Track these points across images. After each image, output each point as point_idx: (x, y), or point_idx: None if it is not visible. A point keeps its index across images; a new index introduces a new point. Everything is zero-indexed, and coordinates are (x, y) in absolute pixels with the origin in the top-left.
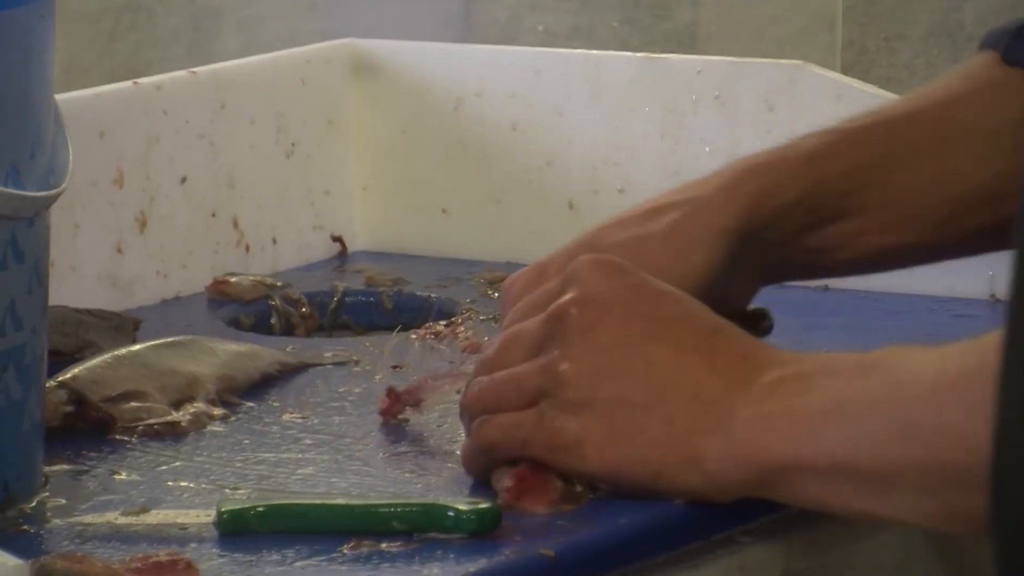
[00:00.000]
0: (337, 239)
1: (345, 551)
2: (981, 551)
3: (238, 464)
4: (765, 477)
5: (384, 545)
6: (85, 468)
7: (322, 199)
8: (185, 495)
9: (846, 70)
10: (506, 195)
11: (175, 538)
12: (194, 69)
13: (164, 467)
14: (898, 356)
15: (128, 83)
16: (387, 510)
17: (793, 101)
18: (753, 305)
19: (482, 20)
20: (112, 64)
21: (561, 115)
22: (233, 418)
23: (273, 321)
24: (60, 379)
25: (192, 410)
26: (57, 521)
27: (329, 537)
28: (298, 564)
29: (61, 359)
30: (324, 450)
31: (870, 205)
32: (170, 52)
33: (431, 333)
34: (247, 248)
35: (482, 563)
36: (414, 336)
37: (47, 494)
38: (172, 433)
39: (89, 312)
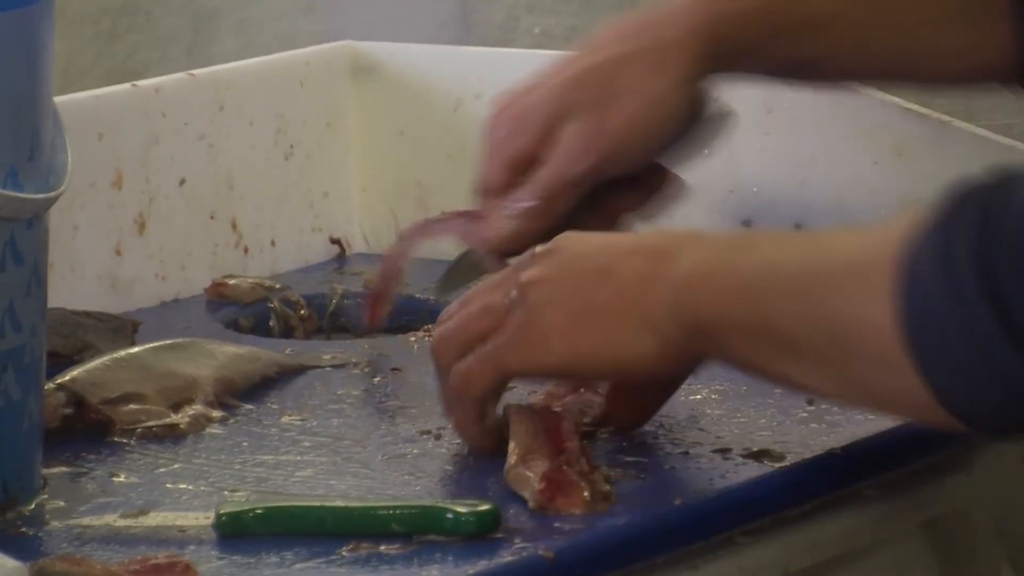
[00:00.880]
0: (336, 241)
1: (344, 553)
2: (982, 551)
3: (237, 466)
4: (704, 331)
5: (383, 547)
6: (84, 470)
7: (321, 201)
8: (184, 497)
9: None
10: None
11: (174, 540)
12: (193, 71)
13: (163, 469)
14: (830, 235)
15: (127, 85)
16: (386, 512)
17: (791, 103)
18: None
19: (479, 22)
20: (110, 65)
21: None
22: (232, 420)
23: (272, 323)
24: (59, 381)
25: (191, 412)
26: (56, 523)
27: (328, 539)
28: (297, 566)
29: (60, 361)
30: (323, 452)
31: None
32: (168, 53)
33: (429, 335)
34: (246, 250)
35: (481, 565)
36: (413, 338)
37: (46, 496)
38: (171, 435)
39: (88, 314)
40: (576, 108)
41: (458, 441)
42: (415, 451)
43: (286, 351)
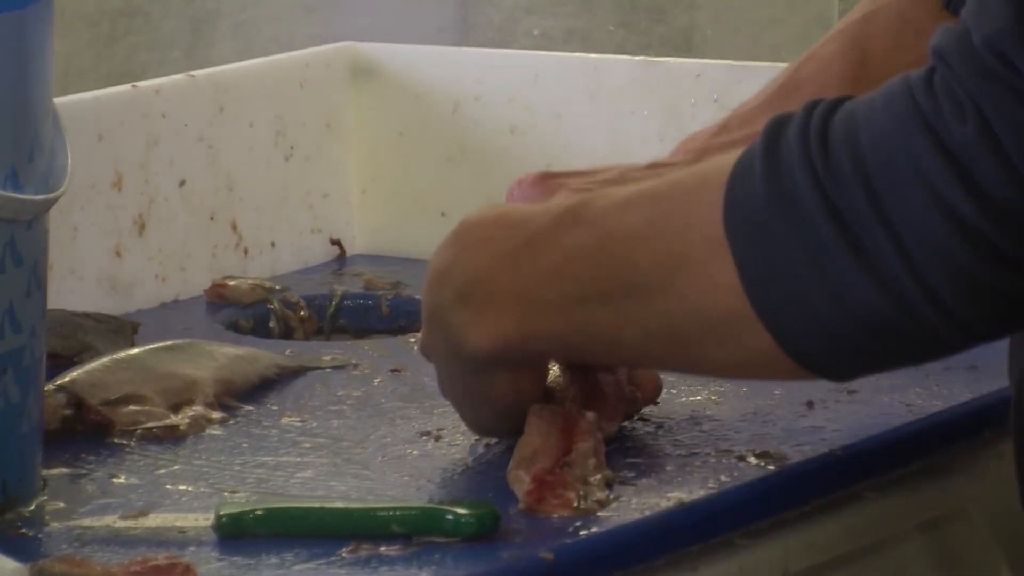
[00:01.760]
0: (335, 242)
1: (344, 554)
2: (981, 552)
3: (237, 467)
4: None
5: (383, 548)
6: (84, 471)
7: (321, 202)
8: (184, 498)
9: None
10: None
11: (174, 541)
12: (193, 72)
13: (163, 470)
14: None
15: (127, 86)
16: (386, 513)
17: None
18: None
19: (478, 23)
20: (109, 67)
21: (560, 118)
22: (232, 421)
23: (272, 324)
24: (59, 382)
25: (191, 413)
26: (56, 524)
27: (328, 540)
28: (297, 567)
29: (59, 362)
30: (323, 453)
31: None
32: (167, 55)
33: None
34: (245, 251)
35: (481, 567)
36: (413, 339)
37: (46, 497)
38: (171, 436)
39: (87, 315)
40: None
41: (458, 442)
42: (415, 452)
43: (286, 352)
